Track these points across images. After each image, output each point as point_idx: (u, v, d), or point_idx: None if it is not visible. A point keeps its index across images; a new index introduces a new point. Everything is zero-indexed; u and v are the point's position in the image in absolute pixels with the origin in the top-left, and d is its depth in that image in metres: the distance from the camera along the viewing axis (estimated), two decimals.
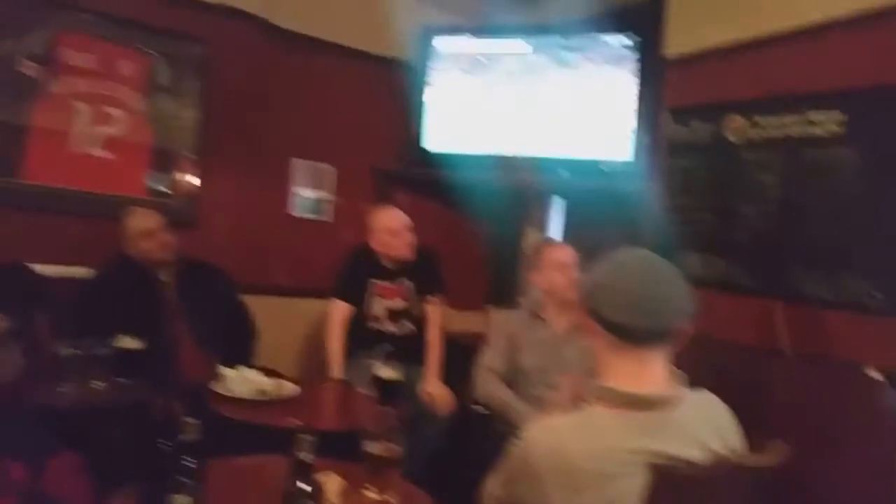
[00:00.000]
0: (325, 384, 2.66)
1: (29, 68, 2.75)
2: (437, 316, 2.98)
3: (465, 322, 3.50)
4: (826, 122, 2.40)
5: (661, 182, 2.94)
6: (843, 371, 2.21)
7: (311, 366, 3.25)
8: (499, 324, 2.59)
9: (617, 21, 3.20)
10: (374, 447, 1.55)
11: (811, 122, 2.44)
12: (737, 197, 2.65)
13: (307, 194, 3.47)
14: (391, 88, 3.50)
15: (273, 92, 3.31)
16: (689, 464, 1.15)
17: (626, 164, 3.04)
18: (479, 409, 2.43)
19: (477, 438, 2.44)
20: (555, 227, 3.60)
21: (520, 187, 3.37)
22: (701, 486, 1.18)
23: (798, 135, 2.48)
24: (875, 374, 2.10)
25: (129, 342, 2.25)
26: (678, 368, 1.26)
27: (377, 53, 3.52)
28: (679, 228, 2.83)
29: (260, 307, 3.01)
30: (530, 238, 3.56)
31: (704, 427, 1.23)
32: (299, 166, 3.43)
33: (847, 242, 2.30)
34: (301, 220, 3.46)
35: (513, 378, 2.43)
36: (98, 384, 2.15)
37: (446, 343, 2.96)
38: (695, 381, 1.28)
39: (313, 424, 1.65)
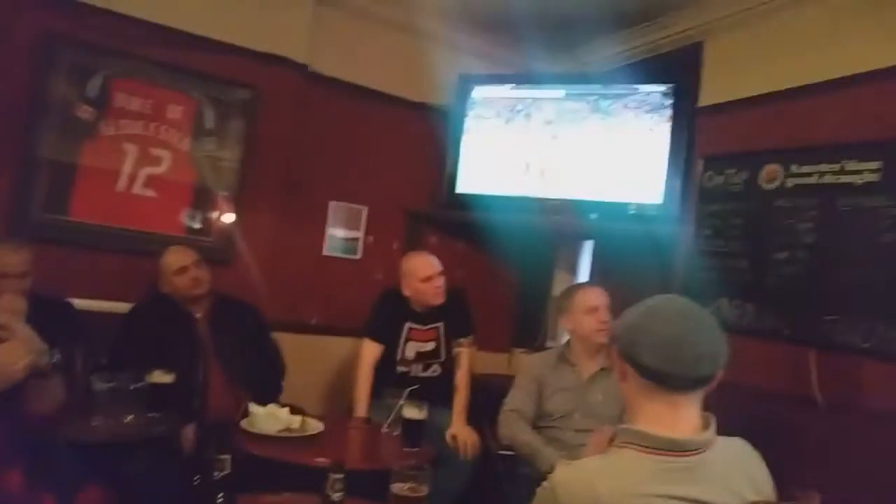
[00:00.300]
0: (351, 423, 2.65)
1: (83, 111, 2.88)
2: (467, 358, 2.97)
3: (491, 364, 3.48)
4: (862, 171, 2.39)
5: (693, 227, 2.95)
6: (878, 422, 2.16)
7: (337, 404, 3.26)
8: (527, 366, 2.57)
9: (653, 70, 3.26)
10: (400, 488, 1.54)
11: (847, 171, 2.44)
12: (770, 243, 2.64)
13: (338, 234, 3.52)
14: (427, 133, 3.59)
15: (313, 135, 3.40)
16: None
17: (655, 207, 3.04)
18: (504, 451, 2.40)
19: (502, 481, 2.40)
20: (584, 269, 3.60)
21: (551, 229, 3.38)
22: None
23: (833, 182, 2.47)
24: None
25: (160, 376, 2.29)
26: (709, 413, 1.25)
27: (415, 100, 3.62)
28: (710, 273, 2.83)
29: (289, 344, 3.05)
30: (560, 281, 3.56)
31: (736, 473, 1.21)
32: (333, 207, 3.50)
33: (882, 290, 2.27)
34: (332, 258, 3.51)
35: (538, 421, 2.41)
36: (130, 418, 2.18)
37: (473, 385, 2.93)
38: (725, 428, 1.25)
39: (346, 463, 1.66)
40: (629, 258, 3.17)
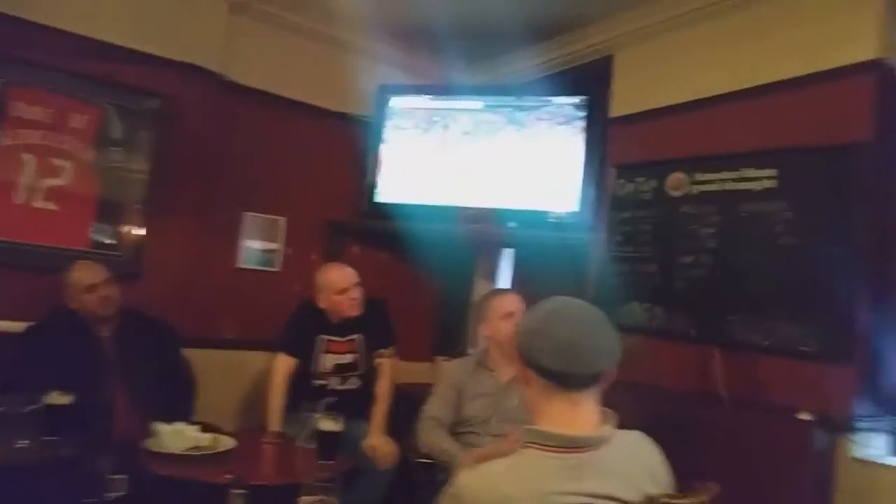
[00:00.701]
0: (264, 438, 2.59)
1: None
2: (388, 369, 2.94)
3: (414, 373, 3.47)
4: (760, 178, 2.52)
5: (606, 233, 3.03)
6: (776, 415, 2.27)
7: (256, 419, 3.17)
8: (445, 373, 2.57)
9: (566, 83, 3.34)
10: (308, 501, 1.51)
11: (746, 178, 2.56)
12: (677, 248, 2.74)
13: (255, 245, 3.45)
14: (347, 143, 3.57)
15: (228, 145, 3.33)
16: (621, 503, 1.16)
17: (571, 215, 3.12)
18: (423, 459, 2.39)
19: (421, 489, 2.38)
20: (504, 276, 3.64)
21: (471, 238, 3.41)
22: None
23: (734, 189, 2.59)
24: (806, 418, 2.15)
25: (57, 398, 2.17)
26: (618, 414, 1.28)
27: (333, 109, 3.59)
28: (622, 278, 2.91)
29: (205, 360, 2.96)
30: (480, 289, 3.59)
31: (635, 466, 1.25)
32: (249, 218, 3.43)
33: (780, 291, 2.39)
34: (249, 271, 3.43)
35: (457, 427, 2.41)
36: (23, 443, 2.06)
37: (394, 395, 2.91)
38: (635, 426, 1.30)
39: (247, 479, 1.61)
40: (548, 265, 3.23)
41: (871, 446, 2.18)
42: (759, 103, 2.58)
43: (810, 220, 2.35)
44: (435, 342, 3.83)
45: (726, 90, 2.68)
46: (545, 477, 1.15)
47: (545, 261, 3.25)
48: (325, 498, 1.53)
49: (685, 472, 1.35)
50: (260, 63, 3.42)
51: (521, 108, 3.31)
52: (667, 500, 1.24)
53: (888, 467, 2.11)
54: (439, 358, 3.61)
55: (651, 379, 2.60)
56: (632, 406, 1.43)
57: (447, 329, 3.80)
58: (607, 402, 1.28)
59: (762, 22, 2.60)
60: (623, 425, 1.29)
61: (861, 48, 2.29)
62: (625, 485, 1.19)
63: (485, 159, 3.34)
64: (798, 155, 2.42)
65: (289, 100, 3.49)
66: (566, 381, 1.21)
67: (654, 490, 1.23)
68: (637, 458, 1.27)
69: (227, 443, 2.24)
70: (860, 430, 2.16)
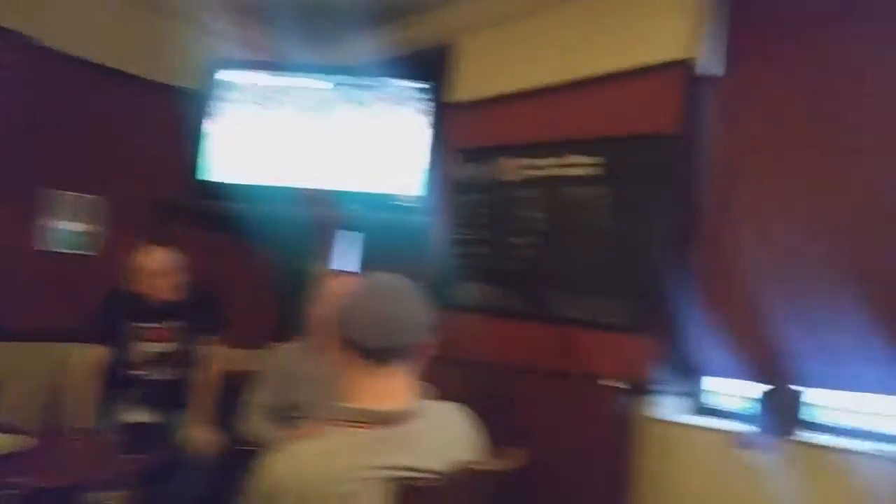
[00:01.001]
0: (68, 435, 2.37)
1: None
2: (214, 357, 2.80)
3: (251, 361, 3.33)
4: (583, 165, 2.67)
5: (447, 217, 3.09)
6: (586, 382, 2.45)
7: (62, 416, 2.89)
8: (273, 358, 2.49)
9: (410, 66, 3.33)
10: (95, 497, 1.40)
11: (571, 164, 2.70)
12: (509, 230, 2.85)
13: (68, 227, 3.16)
14: (175, 118, 3.33)
15: (35, 116, 3.02)
16: (429, 475, 1.18)
17: (418, 199, 3.14)
18: (248, 447, 2.30)
19: (246, 478, 2.30)
20: (345, 259, 3.59)
21: (313, 220, 3.33)
22: (442, 496, 1.20)
23: (562, 175, 2.73)
24: (611, 384, 2.33)
25: None
26: (446, 388, 1.29)
27: (160, 81, 3.36)
28: (461, 259, 3.00)
29: (6, 354, 2.71)
30: (317, 271, 3.51)
31: (444, 437, 1.28)
32: (59, 197, 3.13)
33: (598, 270, 2.56)
34: (60, 255, 3.13)
35: (287, 412, 2.33)
36: None
37: (228, 383, 2.77)
38: (460, 400, 1.34)
39: (29, 481, 1.46)
40: (396, 248, 3.21)
41: (669, 407, 2.40)
42: (586, 94, 2.72)
43: (626, 204, 2.53)
44: (274, 328, 3.70)
45: (557, 81, 2.80)
46: (353, 453, 1.15)
47: (394, 244, 3.24)
48: (111, 494, 1.42)
49: (504, 440, 1.41)
50: (76, 28, 3.13)
51: (362, 88, 3.25)
52: (474, 466, 1.28)
53: (682, 425, 2.33)
54: (274, 344, 3.50)
55: (482, 355, 2.70)
56: (459, 380, 1.46)
57: (286, 314, 3.68)
58: (432, 377, 1.31)
59: (589, 17, 2.75)
60: (448, 398, 1.32)
61: (672, 48, 2.48)
62: (435, 456, 1.22)
63: (325, 140, 3.25)
64: (617, 144, 2.59)
65: (109, 69, 3.22)
66: (376, 354, 1.22)
67: (463, 460, 1.26)
68: (449, 430, 1.30)
69: (21, 443, 2.01)
70: (659, 393, 2.37)
